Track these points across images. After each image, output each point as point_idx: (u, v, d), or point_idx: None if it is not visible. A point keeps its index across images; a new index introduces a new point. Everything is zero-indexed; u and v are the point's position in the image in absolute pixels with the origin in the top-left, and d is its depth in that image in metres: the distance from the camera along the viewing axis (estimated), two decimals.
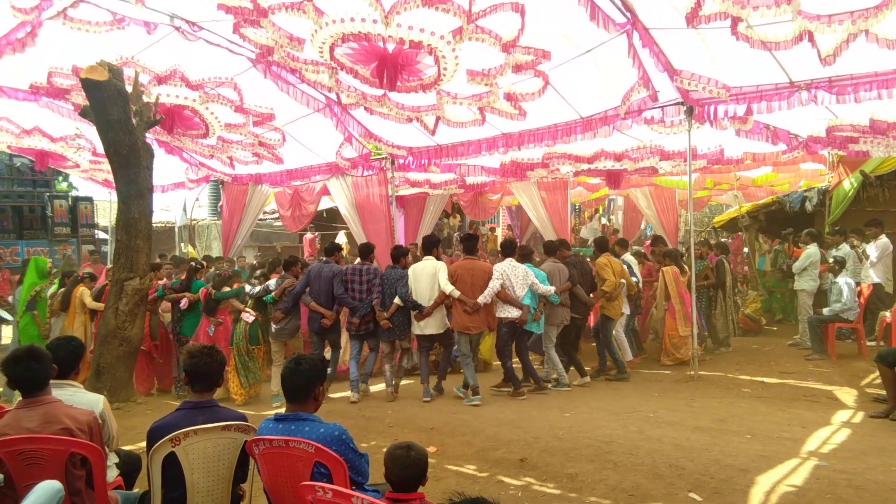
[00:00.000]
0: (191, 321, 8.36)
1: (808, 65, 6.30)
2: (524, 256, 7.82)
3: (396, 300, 7.48)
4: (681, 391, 7.68)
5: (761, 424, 6.05)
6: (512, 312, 7.41)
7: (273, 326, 7.94)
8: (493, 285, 7.27)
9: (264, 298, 8.04)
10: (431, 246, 7.97)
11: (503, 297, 7.33)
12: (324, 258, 8.14)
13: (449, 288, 7.32)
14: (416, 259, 8.50)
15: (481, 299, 7.27)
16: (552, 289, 7.66)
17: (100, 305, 8.37)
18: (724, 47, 6.36)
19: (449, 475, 5.01)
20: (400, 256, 7.88)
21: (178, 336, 8.42)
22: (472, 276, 7.43)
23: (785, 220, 13.33)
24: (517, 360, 7.91)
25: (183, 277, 8.58)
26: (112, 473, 3.62)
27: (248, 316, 7.90)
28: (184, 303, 8.25)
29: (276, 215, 17.07)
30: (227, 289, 8.18)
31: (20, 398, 3.25)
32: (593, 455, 5.20)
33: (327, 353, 8.13)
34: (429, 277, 7.49)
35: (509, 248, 7.77)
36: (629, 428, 5.96)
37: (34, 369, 3.20)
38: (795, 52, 5.99)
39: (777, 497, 4.31)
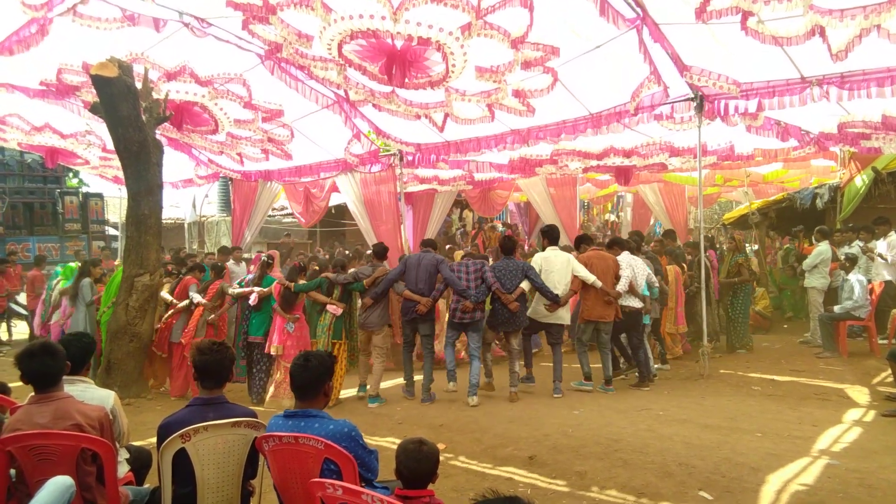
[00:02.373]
0: (259, 320, 7.88)
1: (820, 60, 6.24)
2: (635, 250, 8.22)
3: (523, 285, 7.33)
4: (691, 389, 7.65)
5: (772, 423, 6.02)
6: (635, 303, 7.74)
7: (359, 316, 7.71)
8: (626, 274, 7.62)
9: (352, 287, 7.64)
10: (557, 236, 8.09)
11: (631, 287, 7.66)
12: (424, 248, 8.04)
13: (591, 278, 7.45)
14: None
15: (620, 288, 7.57)
16: (657, 282, 8.20)
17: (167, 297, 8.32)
18: (734, 42, 6.31)
19: (458, 472, 5.01)
20: (514, 248, 7.82)
21: (246, 337, 7.94)
22: (602, 266, 7.66)
23: (795, 217, 13.24)
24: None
25: (257, 273, 8.17)
26: (123, 469, 3.64)
27: (337, 309, 7.55)
28: (253, 299, 7.78)
29: (286, 211, 17.12)
30: (301, 280, 7.74)
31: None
32: (603, 453, 5.19)
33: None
34: (561, 267, 7.55)
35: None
36: (639, 426, 5.94)
37: (48, 364, 3.22)
38: (807, 47, 5.93)
39: (788, 496, 4.28)
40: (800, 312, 12.23)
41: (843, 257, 9.59)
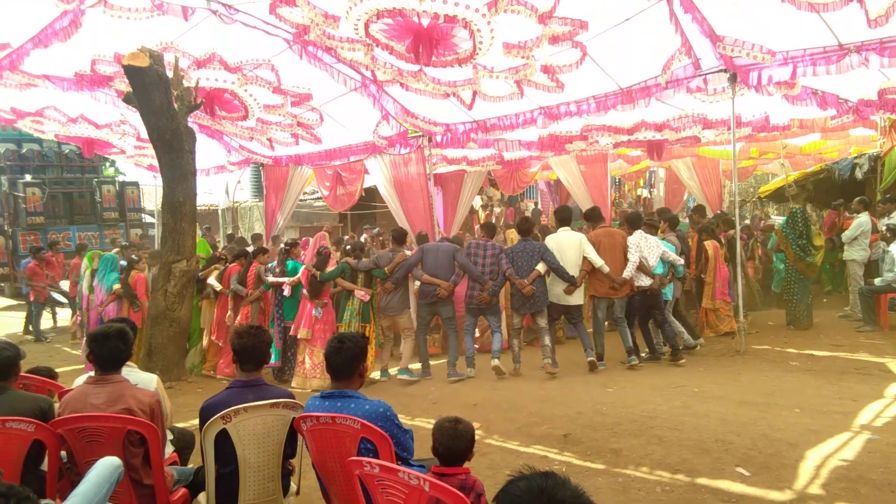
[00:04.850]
0: (290, 304, 8.10)
1: (858, 26, 6.04)
2: (650, 227, 8.22)
3: (539, 268, 7.36)
4: (727, 365, 7.58)
5: (810, 398, 5.94)
6: (645, 281, 7.67)
7: (381, 301, 7.86)
8: (633, 258, 7.59)
9: (374, 273, 7.84)
10: (568, 217, 8.05)
11: (640, 266, 7.63)
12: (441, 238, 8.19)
13: (599, 262, 7.48)
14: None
15: (626, 273, 7.56)
16: (681, 259, 8.11)
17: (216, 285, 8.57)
18: (768, 10, 6.15)
19: (493, 451, 5.05)
20: (531, 229, 7.90)
21: (282, 322, 8.15)
22: (610, 244, 7.71)
23: (834, 189, 12.92)
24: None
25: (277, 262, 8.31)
26: (168, 450, 3.75)
27: (365, 295, 7.71)
28: (287, 290, 7.98)
29: (317, 195, 17.24)
30: (330, 268, 7.89)
31: None
32: (638, 430, 5.18)
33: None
34: (574, 249, 7.55)
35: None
36: (674, 403, 5.91)
37: (120, 349, 3.38)
38: (845, 12, 5.76)
39: (827, 471, 4.24)
40: (839, 286, 11.98)
41: (883, 228, 9.35)
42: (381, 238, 13.01)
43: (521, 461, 4.75)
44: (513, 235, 11.33)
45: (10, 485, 1.91)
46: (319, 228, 16.02)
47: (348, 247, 8.40)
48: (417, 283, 8.07)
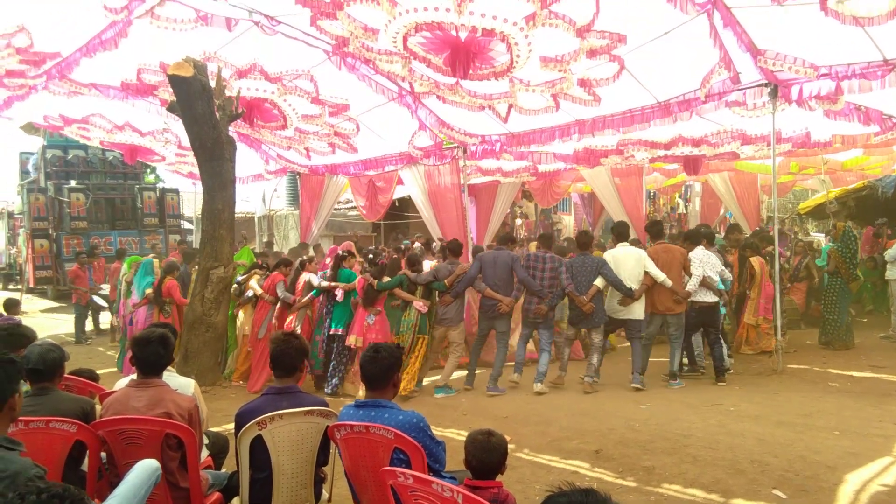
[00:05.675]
0: (339, 312, 7.96)
1: None
2: (711, 243, 8.11)
3: (597, 283, 7.33)
4: (763, 385, 7.43)
5: (850, 420, 5.80)
6: (710, 297, 7.61)
7: (437, 311, 7.80)
8: (698, 272, 7.51)
9: (433, 286, 7.75)
10: (626, 233, 8.05)
11: (704, 282, 7.56)
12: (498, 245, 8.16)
13: (661, 276, 7.40)
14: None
15: (690, 287, 7.50)
16: (730, 275, 8.07)
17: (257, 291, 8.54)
18: (811, 24, 6.06)
19: (524, 465, 5.02)
20: (590, 243, 7.91)
21: (329, 330, 7.99)
22: (667, 259, 7.61)
23: (877, 206, 12.62)
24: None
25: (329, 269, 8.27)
26: (203, 454, 3.82)
27: (423, 306, 7.66)
28: (340, 294, 7.89)
29: (351, 205, 17.41)
30: (386, 278, 7.81)
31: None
32: (671, 448, 5.11)
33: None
34: (633, 264, 7.49)
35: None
36: (709, 421, 5.81)
37: (160, 354, 3.46)
38: (890, 27, 5.66)
39: (867, 496, 4.13)
40: (881, 306, 11.67)
41: None
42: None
43: (552, 476, 4.72)
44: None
45: (66, 486, 1.95)
46: (352, 238, 16.19)
47: (370, 255, 8.44)
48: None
